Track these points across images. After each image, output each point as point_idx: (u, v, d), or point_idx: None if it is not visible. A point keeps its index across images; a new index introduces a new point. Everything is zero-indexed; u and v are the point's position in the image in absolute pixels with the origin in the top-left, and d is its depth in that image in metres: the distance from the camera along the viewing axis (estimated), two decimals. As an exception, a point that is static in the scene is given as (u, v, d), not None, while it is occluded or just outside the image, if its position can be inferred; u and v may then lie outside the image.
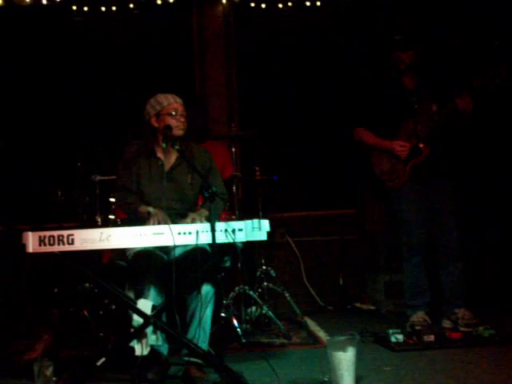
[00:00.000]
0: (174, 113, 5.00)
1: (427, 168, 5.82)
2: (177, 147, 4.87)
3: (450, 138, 5.85)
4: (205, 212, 4.92)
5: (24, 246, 4.29)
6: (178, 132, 4.98)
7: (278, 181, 6.60)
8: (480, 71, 5.51)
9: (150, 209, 4.84)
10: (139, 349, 4.45)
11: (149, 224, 4.65)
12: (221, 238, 4.36)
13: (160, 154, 5.07)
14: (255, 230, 4.39)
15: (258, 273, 6.46)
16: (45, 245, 4.29)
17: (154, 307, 4.49)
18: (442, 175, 5.88)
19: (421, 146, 5.80)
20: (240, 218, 5.70)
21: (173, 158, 5.11)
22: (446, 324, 5.89)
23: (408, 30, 6.01)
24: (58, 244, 4.29)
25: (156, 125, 5.03)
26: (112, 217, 5.90)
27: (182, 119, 5.02)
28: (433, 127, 5.74)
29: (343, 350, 4.36)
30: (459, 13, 7.53)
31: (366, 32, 7.96)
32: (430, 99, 5.79)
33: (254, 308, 6.21)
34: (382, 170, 5.95)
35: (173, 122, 4.98)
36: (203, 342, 4.68)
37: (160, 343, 4.55)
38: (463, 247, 5.92)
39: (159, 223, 4.62)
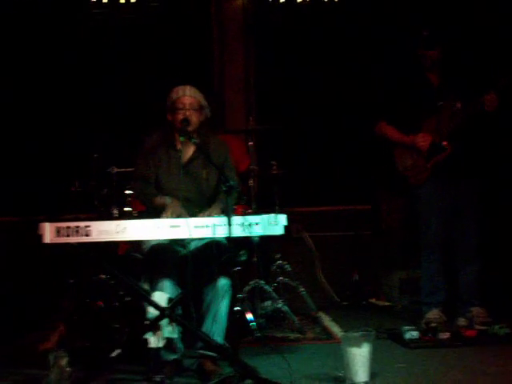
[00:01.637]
0: (181, 107, 4.99)
1: (450, 166, 5.78)
2: (194, 140, 4.88)
3: (473, 136, 5.81)
4: (218, 206, 4.91)
5: (41, 237, 4.31)
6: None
7: (295, 175, 6.59)
8: (507, 70, 5.47)
9: (168, 200, 4.84)
10: (154, 341, 4.45)
11: (165, 215, 4.66)
12: (237, 232, 4.36)
13: (179, 146, 5.07)
14: (272, 224, 4.38)
15: (274, 267, 6.45)
16: (62, 236, 4.31)
17: (169, 300, 4.50)
18: (464, 174, 5.84)
19: (444, 143, 5.76)
20: (256, 212, 5.69)
21: (191, 150, 5.11)
22: (461, 322, 5.87)
23: (434, 26, 5.95)
24: (75, 235, 4.31)
25: (169, 118, 5.05)
26: (128, 209, 5.90)
27: (188, 113, 4.99)
28: (457, 125, 5.69)
29: (358, 345, 4.36)
30: (485, 10, 7.44)
31: (389, 26, 7.89)
32: (455, 97, 5.74)
33: (268, 302, 6.20)
34: (404, 166, 5.93)
35: (179, 117, 4.97)
36: (218, 335, 4.69)
37: (175, 336, 4.55)
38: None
39: (175, 215, 4.62)
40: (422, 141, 5.80)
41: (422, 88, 5.91)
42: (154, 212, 4.80)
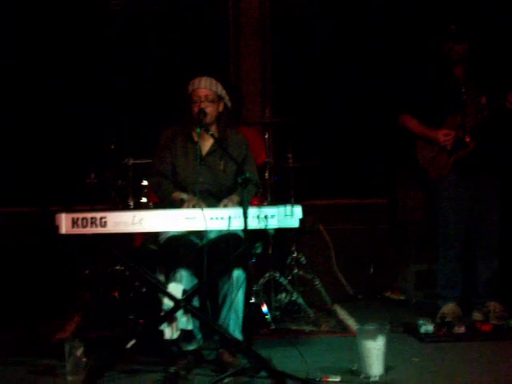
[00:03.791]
0: (197, 99, 4.98)
1: (471, 162, 5.74)
2: (211, 133, 4.88)
3: (496, 133, 5.77)
4: (236, 197, 4.92)
5: (57, 228, 4.33)
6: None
7: (311, 168, 6.59)
8: None
9: (184, 195, 4.85)
10: (169, 332, 4.47)
11: (184, 207, 4.67)
12: (253, 224, 4.36)
13: (196, 139, 5.07)
14: (287, 216, 4.38)
15: (289, 260, 6.44)
16: (78, 227, 4.32)
17: (184, 291, 4.50)
18: (485, 170, 5.81)
19: (467, 139, 5.73)
20: (272, 205, 5.68)
21: (209, 143, 5.11)
22: (477, 316, 5.86)
23: (462, 20, 5.88)
24: (91, 226, 4.32)
25: (187, 110, 5.04)
26: (144, 200, 5.91)
27: (203, 105, 4.96)
28: (481, 121, 5.66)
29: (373, 339, 4.36)
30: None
31: (415, 19, 7.82)
32: (480, 91, 5.70)
33: (283, 295, 6.21)
34: (425, 159, 5.89)
35: (195, 109, 4.96)
36: (235, 327, 4.68)
37: (190, 327, 4.56)
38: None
39: (194, 207, 4.62)
40: (445, 139, 5.76)
41: (447, 82, 5.84)
42: (171, 207, 4.80)
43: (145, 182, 5.87)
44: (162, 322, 4.49)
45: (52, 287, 6.77)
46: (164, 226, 4.41)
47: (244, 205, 4.34)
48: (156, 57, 7.84)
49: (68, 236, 4.35)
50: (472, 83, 5.80)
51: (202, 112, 4.91)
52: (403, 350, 5.02)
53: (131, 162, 5.91)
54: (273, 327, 5.71)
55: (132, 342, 4.44)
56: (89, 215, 4.34)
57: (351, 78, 8.00)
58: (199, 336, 4.73)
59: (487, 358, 4.81)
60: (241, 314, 4.74)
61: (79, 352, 4.49)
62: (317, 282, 6.38)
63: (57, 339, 5.39)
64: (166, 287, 4.55)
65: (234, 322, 4.68)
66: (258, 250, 5.30)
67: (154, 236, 5.07)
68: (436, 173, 5.85)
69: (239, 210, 4.38)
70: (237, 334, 4.69)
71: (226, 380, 4.32)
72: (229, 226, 4.38)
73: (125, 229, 4.37)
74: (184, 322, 4.50)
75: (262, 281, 6.00)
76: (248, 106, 7.58)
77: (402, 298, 7.20)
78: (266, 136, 6.36)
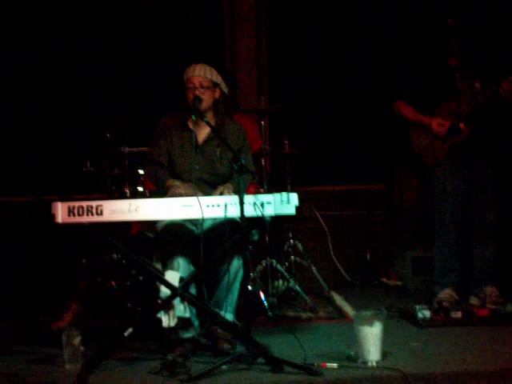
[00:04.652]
0: (191, 86, 5.00)
1: (466, 148, 5.75)
2: (206, 119, 4.87)
3: (491, 119, 5.77)
4: (231, 185, 4.93)
5: (53, 217, 4.32)
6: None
7: (307, 154, 6.58)
8: None
9: (176, 182, 4.86)
10: (166, 320, 4.47)
11: (170, 193, 4.71)
12: (249, 211, 4.36)
13: (192, 127, 5.07)
14: (284, 203, 4.38)
15: (286, 247, 6.46)
16: (74, 215, 4.32)
17: (181, 279, 4.51)
18: (480, 156, 5.82)
19: (461, 125, 5.73)
20: (268, 192, 5.69)
21: (205, 131, 5.11)
22: (474, 301, 5.87)
23: (459, 12, 5.85)
24: (87, 215, 4.32)
25: (183, 98, 5.04)
26: (140, 188, 5.91)
27: (197, 92, 4.98)
28: (475, 107, 5.66)
29: (370, 324, 4.36)
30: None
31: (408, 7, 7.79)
32: (474, 76, 5.71)
33: (280, 282, 6.22)
34: (420, 145, 5.91)
35: (190, 96, 4.97)
36: (230, 314, 4.74)
37: (187, 315, 4.57)
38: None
39: (181, 195, 4.63)
40: (439, 128, 5.76)
41: (441, 68, 5.85)
42: (166, 194, 4.81)
43: (141, 171, 5.87)
44: (159, 310, 4.50)
45: (49, 277, 6.76)
46: (160, 214, 4.40)
47: (240, 192, 4.35)
48: (151, 45, 7.81)
49: (64, 225, 4.35)
50: (466, 68, 5.80)
51: (197, 99, 4.93)
52: (400, 336, 5.03)
53: (127, 150, 5.91)
54: (270, 314, 5.72)
55: (129, 331, 4.44)
56: (85, 204, 4.33)
57: (348, 65, 7.98)
58: (196, 323, 4.75)
59: (484, 343, 4.81)
60: (235, 301, 4.80)
61: (77, 341, 4.50)
62: (313, 269, 6.39)
63: (55, 328, 5.38)
64: (163, 275, 4.55)
65: (229, 308, 4.73)
66: (255, 238, 5.31)
67: (151, 224, 5.07)
68: (431, 159, 5.86)
69: (235, 198, 4.38)
70: (231, 318, 4.74)
71: (223, 367, 4.31)
72: (225, 213, 4.39)
73: (121, 217, 4.37)
74: (181, 309, 4.50)
75: (258, 268, 6.01)
76: (243, 92, 7.58)
77: (399, 283, 7.22)
78: (263, 123, 6.35)
